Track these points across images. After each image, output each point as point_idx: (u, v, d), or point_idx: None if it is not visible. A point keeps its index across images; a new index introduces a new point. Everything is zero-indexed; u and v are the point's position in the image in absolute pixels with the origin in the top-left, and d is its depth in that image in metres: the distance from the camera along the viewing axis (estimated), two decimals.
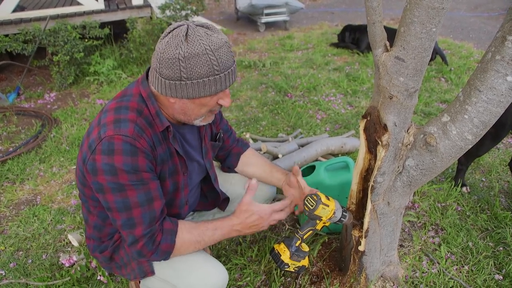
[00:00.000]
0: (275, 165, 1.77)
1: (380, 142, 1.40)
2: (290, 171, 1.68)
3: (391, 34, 1.25)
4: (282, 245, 1.46)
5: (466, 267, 1.94)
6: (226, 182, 1.81)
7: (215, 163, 1.84)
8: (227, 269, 1.78)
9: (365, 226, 1.57)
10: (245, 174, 1.79)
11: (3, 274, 2.02)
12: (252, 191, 1.39)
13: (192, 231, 1.33)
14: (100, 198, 1.23)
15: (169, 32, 1.15)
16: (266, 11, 6.75)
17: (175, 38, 1.12)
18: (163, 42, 1.14)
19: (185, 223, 1.36)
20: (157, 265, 1.39)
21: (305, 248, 1.48)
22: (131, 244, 1.26)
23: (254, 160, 1.77)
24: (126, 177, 1.17)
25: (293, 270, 1.47)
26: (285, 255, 1.43)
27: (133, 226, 1.23)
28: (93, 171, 1.18)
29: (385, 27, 1.29)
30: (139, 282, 1.76)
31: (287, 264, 1.45)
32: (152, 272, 1.39)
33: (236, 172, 1.81)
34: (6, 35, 4.28)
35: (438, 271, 1.91)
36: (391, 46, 1.28)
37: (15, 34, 4.27)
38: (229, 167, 1.79)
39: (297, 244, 1.45)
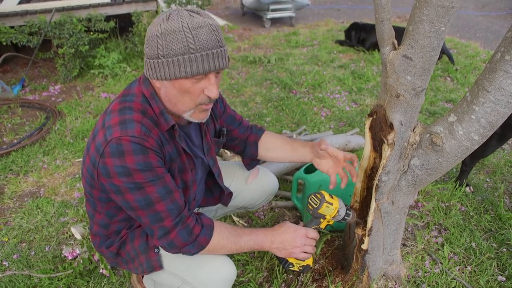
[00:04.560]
0: (295, 141, 1.70)
1: (385, 141, 1.39)
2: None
3: (398, 32, 1.25)
4: None
5: (469, 268, 1.94)
6: (228, 177, 1.80)
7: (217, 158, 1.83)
8: None
9: (369, 224, 1.57)
10: (268, 159, 1.74)
11: (7, 265, 2.03)
12: None
13: (229, 237, 1.34)
14: (119, 199, 1.22)
15: (157, 16, 1.17)
16: (272, 7, 6.72)
17: (159, 18, 1.14)
18: (150, 24, 1.17)
19: (221, 225, 1.36)
20: (166, 259, 1.39)
21: None
22: (162, 236, 1.26)
23: (273, 144, 1.71)
24: (141, 176, 1.16)
25: (298, 270, 1.47)
26: None
27: (161, 220, 1.23)
28: (106, 175, 1.17)
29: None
30: (142, 276, 1.77)
31: (292, 264, 1.45)
32: (160, 267, 1.39)
33: (257, 160, 1.77)
34: (12, 27, 4.28)
35: (441, 271, 1.91)
36: (398, 44, 1.27)
37: (20, 26, 4.27)
38: (250, 157, 1.74)
39: None
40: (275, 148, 1.71)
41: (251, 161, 1.76)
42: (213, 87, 1.19)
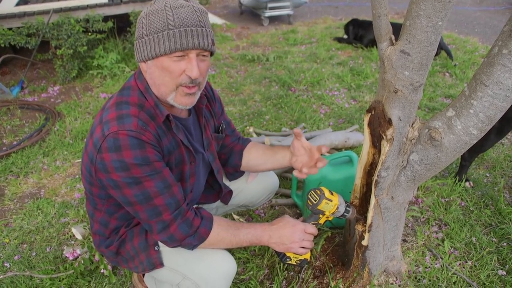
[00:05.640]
0: (276, 146, 1.68)
1: (384, 137, 1.39)
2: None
3: (395, 29, 1.25)
4: None
5: (469, 263, 1.94)
6: None
7: None
8: None
9: (369, 220, 1.57)
10: (250, 169, 1.72)
11: (8, 266, 2.03)
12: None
13: (228, 229, 1.35)
14: (118, 194, 1.23)
15: None
16: (269, 5, 6.71)
17: (148, 4, 1.19)
18: None
19: (220, 218, 1.37)
20: (166, 255, 1.40)
21: None
22: (161, 230, 1.26)
23: (254, 151, 1.69)
24: (139, 170, 1.17)
25: (295, 263, 1.48)
26: None
27: (159, 214, 1.24)
28: (104, 170, 1.18)
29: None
30: (143, 275, 1.77)
31: (289, 257, 1.45)
32: (161, 264, 1.39)
33: (240, 172, 1.75)
34: (10, 29, 4.27)
35: (441, 266, 1.91)
36: (396, 40, 1.27)
37: (18, 28, 4.26)
38: (233, 167, 1.71)
39: None
40: (258, 155, 1.68)
41: (233, 171, 1.74)
42: (193, 67, 1.19)
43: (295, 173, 1.50)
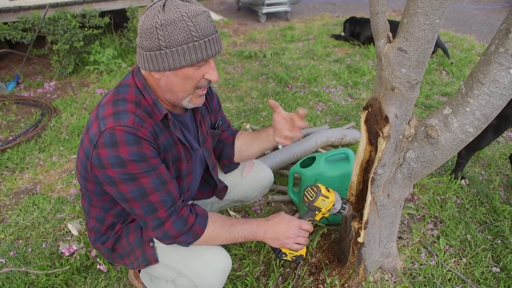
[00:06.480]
0: (261, 128, 1.69)
1: (381, 134, 1.39)
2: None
3: (393, 26, 1.25)
4: None
5: (464, 260, 1.95)
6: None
7: None
8: None
9: (365, 217, 1.57)
10: (242, 156, 1.71)
11: (3, 262, 2.02)
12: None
13: (223, 226, 1.35)
14: (113, 191, 1.23)
15: (148, 8, 1.17)
16: (267, 2, 6.69)
17: (153, 10, 1.14)
18: (142, 16, 1.16)
19: (215, 215, 1.37)
20: (161, 252, 1.39)
21: None
22: (156, 227, 1.26)
23: (242, 137, 1.70)
24: (135, 167, 1.17)
25: (291, 259, 1.48)
26: None
27: (155, 211, 1.24)
28: (100, 166, 1.17)
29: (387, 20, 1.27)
30: (139, 271, 1.77)
31: (284, 253, 1.46)
32: (156, 260, 1.39)
33: (235, 164, 1.76)
34: (5, 23, 4.24)
35: (436, 263, 1.92)
36: (393, 38, 1.27)
37: (14, 22, 4.23)
38: (228, 158, 1.72)
39: None
40: (245, 139, 1.69)
41: (228, 163, 1.74)
42: (214, 71, 1.23)
43: (278, 140, 1.51)
